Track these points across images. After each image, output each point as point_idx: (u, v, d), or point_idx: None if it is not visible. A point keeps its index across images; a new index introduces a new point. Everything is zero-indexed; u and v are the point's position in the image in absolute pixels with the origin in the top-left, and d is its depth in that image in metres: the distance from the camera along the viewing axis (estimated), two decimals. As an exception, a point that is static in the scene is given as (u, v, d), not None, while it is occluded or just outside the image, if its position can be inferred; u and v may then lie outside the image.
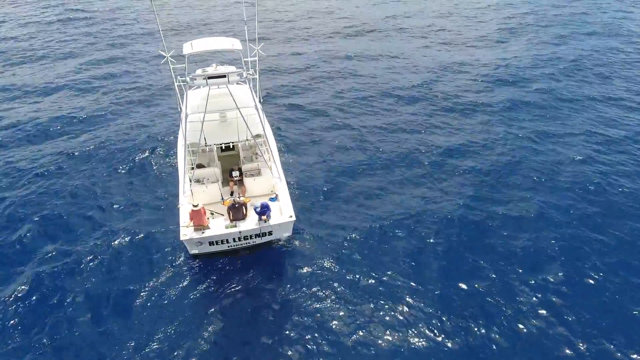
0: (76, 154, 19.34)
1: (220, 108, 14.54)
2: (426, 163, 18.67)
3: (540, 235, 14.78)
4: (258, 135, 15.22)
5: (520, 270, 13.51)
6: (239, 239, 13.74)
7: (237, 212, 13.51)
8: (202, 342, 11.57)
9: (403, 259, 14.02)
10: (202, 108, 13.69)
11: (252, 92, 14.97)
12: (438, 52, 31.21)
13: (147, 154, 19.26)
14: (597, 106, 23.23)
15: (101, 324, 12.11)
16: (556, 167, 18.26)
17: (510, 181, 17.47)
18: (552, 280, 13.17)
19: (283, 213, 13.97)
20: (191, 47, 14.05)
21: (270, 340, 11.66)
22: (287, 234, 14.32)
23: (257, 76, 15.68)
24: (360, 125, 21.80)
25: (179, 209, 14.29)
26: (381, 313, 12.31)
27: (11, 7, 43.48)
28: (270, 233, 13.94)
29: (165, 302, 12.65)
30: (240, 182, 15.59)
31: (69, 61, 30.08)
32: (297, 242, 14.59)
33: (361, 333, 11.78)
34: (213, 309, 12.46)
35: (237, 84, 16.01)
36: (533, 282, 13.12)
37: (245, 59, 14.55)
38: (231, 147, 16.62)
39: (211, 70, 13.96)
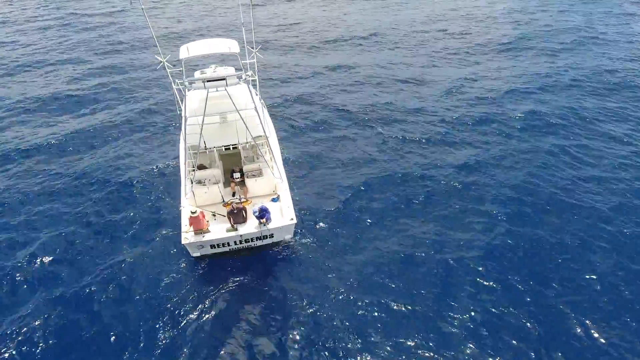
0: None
1: (219, 110, 14.38)
2: (423, 171, 18.20)
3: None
4: (259, 137, 15.15)
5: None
6: (240, 241, 13.76)
7: (237, 216, 13.52)
8: (203, 342, 11.66)
9: (405, 261, 13.97)
10: (201, 111, 13.61)
11: (251, 93, 14.87)
12: (448, 63, 29.90)
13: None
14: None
15: (100, 324, 12.22)
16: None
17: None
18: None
19: (284, 215, 13.94)
20: (187, 51, 13.90)
21: (270, 341, 11.72)
22: (288, 236, 14.32)
23: (256, 77, 15.56)
24: (367, 130, 21.46)
25: (180, 210, 14.32)
26: (382, 315, 12.30)
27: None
28: (271, 236, 13.93)
29: (166, 301, 12.74)
30: (241, 183, 15.56)
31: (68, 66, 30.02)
32: (298, 244, 14.58)
33: (361, 334, 11.79)
34: (213, 309, 12.52)
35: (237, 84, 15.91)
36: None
37: (243, 61, 14.40)
38: (232, 147, 16.57)
39: (210, 72, 13.81)
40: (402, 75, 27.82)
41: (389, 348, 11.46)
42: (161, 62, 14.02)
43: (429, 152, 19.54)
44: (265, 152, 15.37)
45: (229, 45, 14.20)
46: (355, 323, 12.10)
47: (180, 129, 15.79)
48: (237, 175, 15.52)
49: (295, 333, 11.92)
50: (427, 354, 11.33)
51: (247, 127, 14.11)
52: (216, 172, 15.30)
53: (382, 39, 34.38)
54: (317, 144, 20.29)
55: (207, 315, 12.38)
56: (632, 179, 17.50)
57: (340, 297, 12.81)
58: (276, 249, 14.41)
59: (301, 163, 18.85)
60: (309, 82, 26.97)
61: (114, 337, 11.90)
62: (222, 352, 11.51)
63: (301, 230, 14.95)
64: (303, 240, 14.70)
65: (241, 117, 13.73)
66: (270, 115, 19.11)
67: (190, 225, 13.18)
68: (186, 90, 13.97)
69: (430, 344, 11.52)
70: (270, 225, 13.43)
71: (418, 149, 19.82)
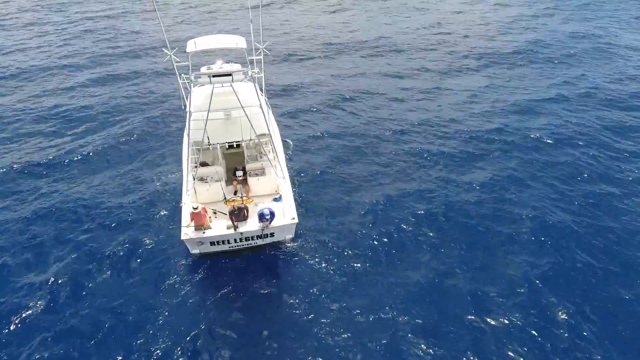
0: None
1: (224, 106, 14.28)
2: (434, 176, 17.90)
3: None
4: (262, 135, 15.02)
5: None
6: (240, 240, 13.59)
7: (237, 216, 13.37)
8: (203, 342, 11.49)
9: (407, 264, 13.78)
10: (206, 106, 13.53)
11: (257, 90, 14.77)
12: (459, 72, 29.02)
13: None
14: None
15: (100, 323, 12.06)
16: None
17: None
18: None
19: (286, 215, 13.77)
20: (195, 45, 13.84)
21: (270, 341, 11.54)
22: (289, 235, 14.14)
23: (262, 74, 15.48)
24: (371, 132, 21.22)
25: (181, 207, 14.17)
26: (382, 316, 12.10)
27: None
28: (272, 235, 13.77)
29: (165, 303, 12.55)
30: (244, 182, 15.44)
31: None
32: (299, 244, 14.39)
33: (360, 336, 11.57)
34: (213, 309, 12.35)
35: (243, 81, 15.83)
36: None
37: (250, 57, 14.32)
38: (235, 145, 16.47)
39: (216, 67, 13.80)
40: (413, 84, 27.04)
41: (389, 349, 11.25)
42: (168, 55, 13.99)
43: (434, 161, 19.13)
44: (269, 151, 15.25)
45: (236, 41, 14.19)
46: (354, 325, 11.88)
47: (185, 125, 15.70)
48: (239, 173, 15.40)
49: (295, 333, 11.72)
50: (427, 355, 11.15)
51: (251, 124, 14.01)
52: (219, 169, 15.17)
53: (390, 47, 33.71)
54: (320, 148, 20.11)
55: (207, 315, 12.20)
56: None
57: (341, 299, 12.60)
58: (276, 250, 14.21)
59: (304, 164, 18.67)
60: (314, 88, 26.73)
61: (113, 337, 11.70)
62: (222, 352, 11.32)
63: (302, 231, 14.75)
64: (304, 241, 14.50)
65: (245, 114, 13.64)
66: (271, 107, 18.83)
67: (192, 220, 13.02)
68: (192, 85, 13.92)
69: (430, 349, 11.31)
70: (272, 224, 13.26)
71: (422, 155, 19.47)
